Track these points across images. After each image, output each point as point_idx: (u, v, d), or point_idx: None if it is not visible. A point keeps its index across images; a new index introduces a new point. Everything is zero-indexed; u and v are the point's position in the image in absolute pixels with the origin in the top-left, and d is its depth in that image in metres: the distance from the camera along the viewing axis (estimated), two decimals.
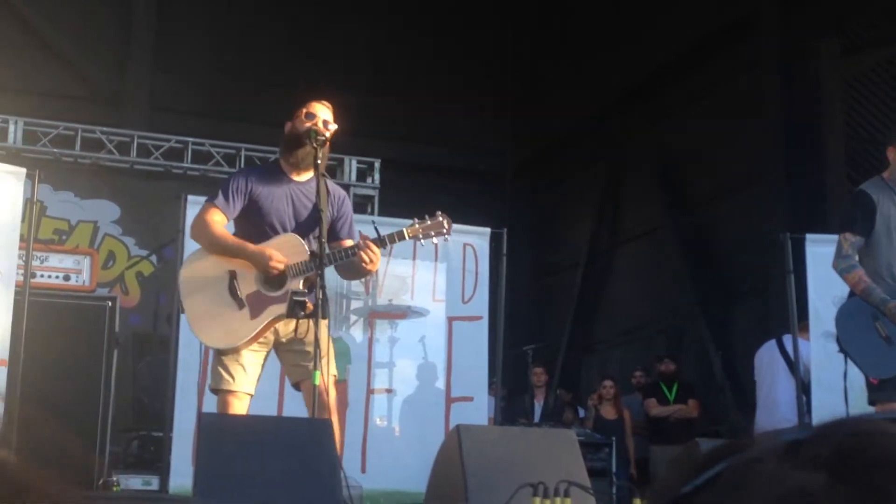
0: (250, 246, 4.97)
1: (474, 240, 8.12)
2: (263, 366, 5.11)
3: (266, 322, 4.91)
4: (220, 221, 5.05)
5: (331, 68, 15.78)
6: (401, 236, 5.02)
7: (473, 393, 7.90)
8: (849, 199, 5.79)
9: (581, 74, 15.92)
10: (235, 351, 4.94)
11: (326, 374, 4.70)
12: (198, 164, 10.40)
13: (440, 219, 5.14)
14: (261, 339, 4.99)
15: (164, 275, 9.29)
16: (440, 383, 7.99)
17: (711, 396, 12.36)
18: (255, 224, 5.07)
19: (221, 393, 4.95)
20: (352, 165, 10.41)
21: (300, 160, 5.10)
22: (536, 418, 11.24)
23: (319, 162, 5.02)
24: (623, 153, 15.38)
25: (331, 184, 5.32)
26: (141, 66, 15.33)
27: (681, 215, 14.04)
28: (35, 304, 6.74)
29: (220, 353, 5.01)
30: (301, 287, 4.88)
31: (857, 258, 5.52)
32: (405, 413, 7.97)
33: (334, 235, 5.17)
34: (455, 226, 7.94)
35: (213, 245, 5.04)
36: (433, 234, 5.11)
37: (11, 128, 9.60)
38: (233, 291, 4.96)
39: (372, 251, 4.90)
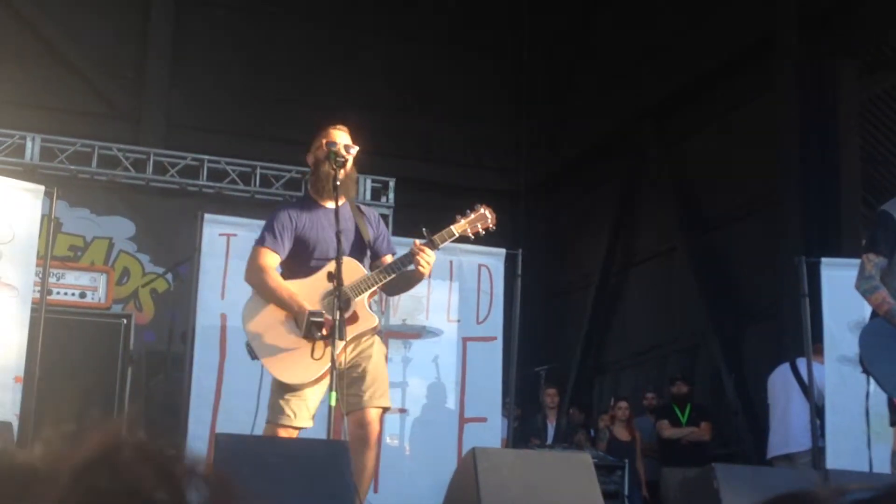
0: (298, 301, 4.93)
1: (489, 260, 8.12)
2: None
3: (339, 351, 4.85)
4: (273, 265, 5.08)
5: (346, 86, 15.84)
6: (450, 234, 5.01)
7: (487, 413, 7.88)
8: (871, 220, 5.76)
9: (597, 95, 15.93)
10: (311, 387, 4.92)
11: (375, 404, 4.83)
12: (213, 181, 10.44)
13: (482, 210, 5.12)
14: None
15: (178, 293, 9.29)
16: (453, 403, 7.97)
17: (724, 419, 12.32)
18: (303, 257, 5.09)
19: (279, 427, 4.94)
20: (366, 184, 10.44)
21: (330, 188, 5.07)
22: (549, 439, 11.22)
23: (339, 183, 5.04)
24: (638, 174, 15.37)
25: (364, 206, 5.40)
26: (158, 84, 15.39)
27: (695, 236, 14.02)
28: (51, 321, 6.75)
29: (285, 388, 4.96)
30: (367, 305, 4.90)
31: (879, 279, 5.49)
32: (418, 433, 7.96)
33: (375, 254, 5.20)
34: (470, 247, 8.05)
35: (265, 294, 5.04)
36: (479, 226, 5.08)
37: (29, 144, 9.65)
38: (300, 329, 4.93)
39: (426, 254, 4.90)
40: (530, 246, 10.66)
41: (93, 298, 7.68)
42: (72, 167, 9.93)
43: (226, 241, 7.47)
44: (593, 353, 15.77)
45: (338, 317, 4.74)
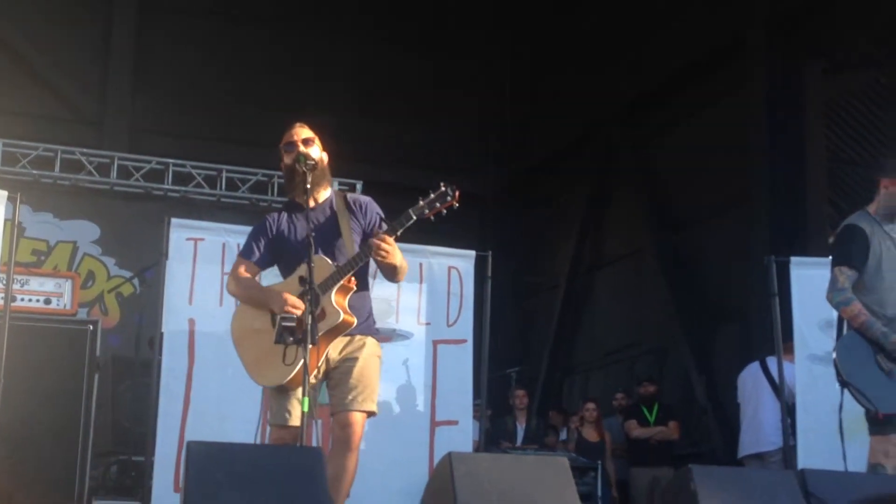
0: (268, 291, 5.03)
1: (459, 263, 8.08)
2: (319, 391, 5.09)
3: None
4: (249, 272, 5.17)
5: (312, 89, 15.77)
6: (408, 217, 4.88)
7: (458, 416, 7.84)
8: (841, 234, 5.79)
9: (566, 95, 15.93)
10: (293, 387, 4.88)
11: (359, 408, 4.88)
12: (179, 185, 10.36)
13: (443, 188, 4.93)
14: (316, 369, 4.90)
15: (145, 297, 9.19)
16: (424, 407, 7.93)
17: (693, 418, 12.36)
18: (286, 260, 5.13)
19: (278, 428, 4.96)
20: (334, 187, 10.37)
21: (301, 190, 5.06)
22: (519, 441, 11.19)
23: (309, 186, 5.02)
24: (606, 175, 15.39)
25: (350, 195, 5.33)
26: (121, 88, 15.25)
27: (664, 237, 14.05)
28: (15, 328, 6.64)
29: (278, 391, 4.98)
30: (333, 301, 4.86)
31: (851, 291, 5.54)
32: (389, 437, 7.87)
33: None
34: (439, 248, 8.02)
35: (241, 297, 5.21)
36: (439, 205, 4.89)
37: None
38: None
39: (382, 247, 4.84)
40: (500, 248, 10.63)
41: (58, 305, 7.57)
42: (34, 172, 9.82)
43: (193, 246, 7.39)
44: (563, 355, 15.77)
45: (309, 321, 4.67)
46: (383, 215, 5.19)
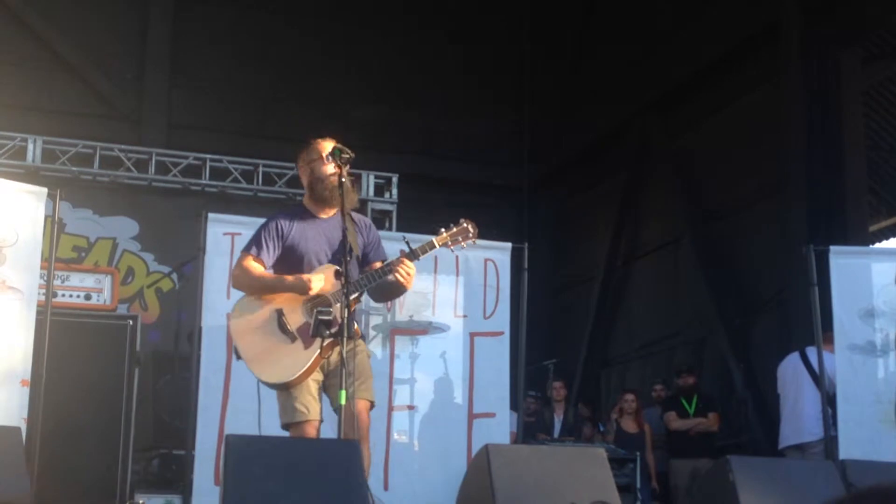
0: (287, 277, 5.14)
1: (495, 255, 8.09)
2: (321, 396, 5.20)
3: (321, 347, 5.00)
4: (258, 267, 5.23)
5: (348, 83, 15.81)
6: (431, 246, 5.15)
7: (495, 409, 7.85)
8: None
9: (600, 87, 15.87)
10: (299, 382, 5.00)
11: (362, 396, 4.92)
12: (216, 180, 10.41)
13: (465, 224, 5.26)
14: (314, 384, 5.08)
15: (184, 292, 9.26)
16: (461, 399, 7.94)
17: (732, 409, 12.28)
18: (294, 264, 5.21)
19: (298, 426, 5.01)
20: (370, 180, 10.39)
21: (327, 199, 5.24)
22: (556, 433, 11.18)
23: (344, 179, 5.11)
24: (642, 166, 15.31)
25: (355, 214, 5.49)
26: (158, 84, 15.34)
27: (700, 227, 13.96)
28: (56, 324, 6.71)
29: (286, 388, 5.04)
30: (334, 311, 4.93)
31: None
32: (427, 429, 7.92)
33: (366, 261, 5.32)
34: (476, 241, 8.01)
35: (254, 287, 5.22)
36: (461, 239, 5.21)
37: (30, 146, 9.63)
38: (283, 327, 5.06)
39: (406, 266, 5.03)
40: (535, 240, 10.63)
41: (98, 300, 7.62)
42: (74, 169, 9.91)
43: (230, 241, 7.44)
44: (600, 346, 15.72)
45: (346, 315, 4.81)
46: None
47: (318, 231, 5.24)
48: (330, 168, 5.21)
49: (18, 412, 6.37)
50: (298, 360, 4.99)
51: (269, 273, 5.22)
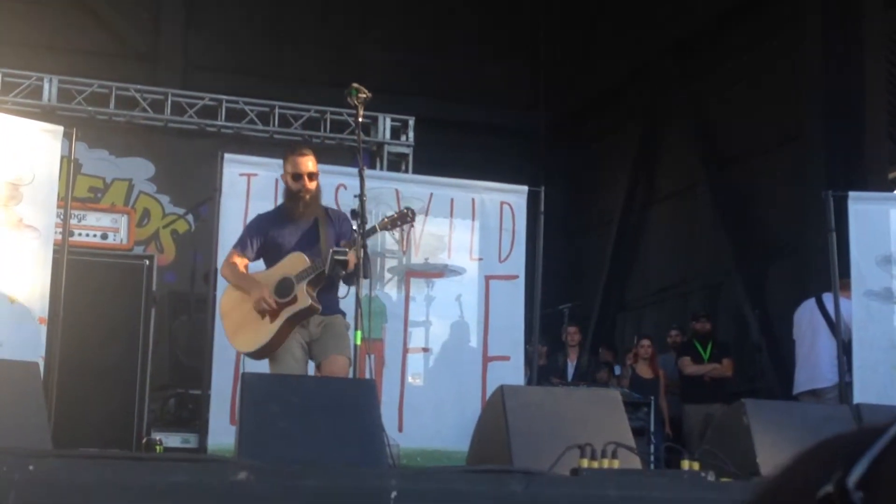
0: (252, 281, 5.94)
1: (511, 198, 8.04)
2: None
3: (282, 322, 5.66)
4: (240, 263, 6.05)
5: (364, 26, 15.70)
6: (373, 230, 5.82)
7: (510, 352, 7.85)
8: None
9: (616, 33, 15.74)
10: (272, 350, 5.70)
11: (342, 353, 5.57)
12: (232, 121, 10.37)
13: (405, 211, 5.98)
14: (299, 348, 5.75)
15: (200, 233, 9.25)
16: (476, 342, 7.94)
17: (747, 355, 12.29)
18: (272, 257, 6.01)
19: None
20: (386, 123, 10.33)
21: (301, 214, 6.00)
22: (569, 377, 11.20)
23: (307, 204, 5.99)
24: (659, 111, 15.22)
25: (331, 209, 6.30)
26: (174, 24, 15.27)
27: (717, 173, 13.90)
28: (73, 263, 6.73)
29: (270, 358, 5.75)
30: (305, 290, 5.64)
31: None
32: (441, 372, 7.93)
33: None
34: (492, 184, 8.01)
35: (229, 279, 6.14)
36: (399, 223, 5.94)
37: (46, 86, 9.59)
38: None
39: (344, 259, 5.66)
40: (551, 184, 10.57)
41: (114, 240, 7.63)
42: (89, 108, 9.87)
43: (246, 181, 7.43)
44: (616, 291, 15.72)
45: (362, 255, 5.31)
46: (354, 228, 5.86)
47: (296, 229, 5.99)
48: (296, 186, 5.95)
49: (35, 349, 6.40)
50: (264, 331, 5.71)
51: (243, 270, 6.03)
